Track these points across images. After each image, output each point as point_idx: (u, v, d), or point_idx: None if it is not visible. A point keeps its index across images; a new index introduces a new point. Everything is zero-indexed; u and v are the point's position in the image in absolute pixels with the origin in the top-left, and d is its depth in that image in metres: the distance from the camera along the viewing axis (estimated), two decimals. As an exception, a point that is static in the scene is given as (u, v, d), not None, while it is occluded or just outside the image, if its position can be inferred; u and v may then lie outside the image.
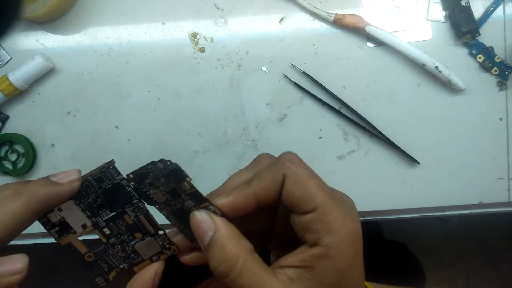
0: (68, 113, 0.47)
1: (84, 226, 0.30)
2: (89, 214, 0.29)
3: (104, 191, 0.29)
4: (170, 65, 0.47)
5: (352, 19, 0.44)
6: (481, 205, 0.47)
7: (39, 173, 0.48)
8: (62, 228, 0.29)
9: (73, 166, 0.48)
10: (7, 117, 0.47)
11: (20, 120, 0.47)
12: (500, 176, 0.47)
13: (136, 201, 0.29)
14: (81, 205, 0.29)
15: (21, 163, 0.47)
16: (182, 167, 0.28)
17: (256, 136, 0.47)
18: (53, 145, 0.48)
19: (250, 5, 0.46)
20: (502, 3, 0.45)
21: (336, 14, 0.45)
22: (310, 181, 0.27)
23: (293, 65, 0.46)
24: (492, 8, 0.45)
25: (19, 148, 0.47)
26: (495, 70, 0.45)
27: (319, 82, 0.46)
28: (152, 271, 0.29)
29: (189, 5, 0.46)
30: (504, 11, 0.45)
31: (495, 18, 0.45)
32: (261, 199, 0.27)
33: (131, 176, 0.28)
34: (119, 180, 0.29)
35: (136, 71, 0.47)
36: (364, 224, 0.49)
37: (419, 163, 0.46)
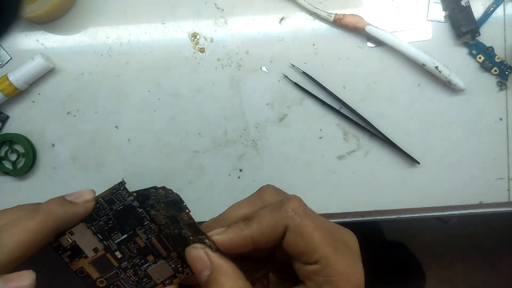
0: (68, 113, 0.47)
1: (95, 250, 0.29)
2: (101, 237, 0.29)
3: (116, 213, 0.29)
4: (170, 65, 0.47)
5: (352, 19, 0.44)
6: (481, 205, 0.47)
7: (39, 173, 0.48)
8: (74, 253, 0.29)
9: (73, 166, 0.48)
10: (7, 117, 0.47)
11: (20, 120, 0.47)
12: (500, 176, 0.47)
13: (147, 222, 0.29)
14: (93, 228, 0.28)
15: (21, 163, 0.47)
16: (183, 198, 0.27)
17: (256, 136, 0.47)
18: (53, 145, 0.48)
19: (250, 5, 0.46)
20: (502, 3, 0.45)
21: (336, 14, 0.45)
22: (314, 235, 0.25)
23: (293, 65, 0.46)
24: (492, 8, 0.45)
25: (19, 148, 0.47)
26: (495, 70, 0.45)
27: (319, 82, 0.46)
28: None
29: (189, 5, 0.46)
30: (504, 11, 0.45)
31: (495, 18, 0.45)
32: (259, 243, 0.26)
33: (134, 194, 0.28)
34: (130, 202, 0.28)
35: (136, 71, 0.47)
36: (364, 224, 0.49)
37: (419, 163, 0.46)
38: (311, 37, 0.46)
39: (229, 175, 0.47)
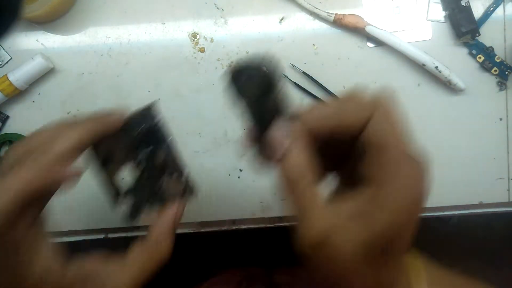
0: (68, 113, 0.47)
1: (123, 161, 0.33)
2: (129, 150, 0.32)
3: (145, 130, 0.33)
4: (170, 65, 0.47)
5: (352, 19, 0.44)
6: (481, 205, 0.47)
7: (39, 173, 0.48)
8: (105, 161, 0.33)
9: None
10: (7, 117, 0.47)
11: (20, 120, 0.47)
12: (500, 176, 0.47)
13: (170, 138, 0.33)
14: (123, 140, 0.32)
15: (21, 163, 0.47)
16: None
17: (256, 136, 0.47)
18: (53, 145, 0.48)
19: (250, 5, 0.46)
20: (502, 3, 0.45)
21: (336, 14, 0.45)
22: (396, 132, 0.27)
23: (293, 65, 0.46)
24: (492, 8, 0.45)
25: (19, 148, 0.47)
26: (495, 70, 0.45)
27: (319, 82, 0.46)
28: (173, 210, 0.31)
29: (189, 5, 0.46)
30: (504, 11, 0.45)
31: (495, 18, 0.45)
32: (341, 124, 0.26)
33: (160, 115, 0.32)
34: (158, 121, 0.32)
35: (136, 71, 0.47)
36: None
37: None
38: (311, 37, 0.46)
39: (229, 175, 0.47)
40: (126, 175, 0.32)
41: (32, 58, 0.45)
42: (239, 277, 0.54)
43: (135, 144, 0.32)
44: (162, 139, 0.33)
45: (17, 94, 0.46)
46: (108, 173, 0.32)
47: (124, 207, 0.33)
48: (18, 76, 0.45)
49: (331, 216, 0.25)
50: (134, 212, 0.33)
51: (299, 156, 0.25)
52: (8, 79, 0.44)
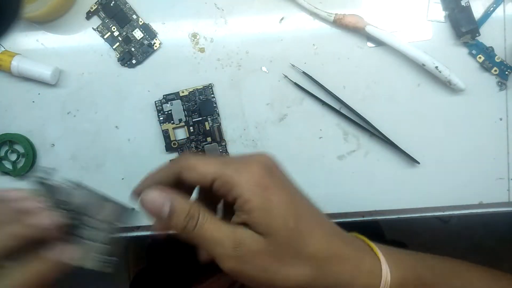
0: (68, 113, 0.47)
1: (180, 121, 0.46)
2: (186, 114, 0.46)
3: (200, 101, 0.45)
4: (170, 65, 0.47)
5: (352, 19, 0.44)
6: (481, 205, 0.47)
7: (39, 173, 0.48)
8: (167, 117, 0.46)
9: (73, 166, 0.48)
10: None
11: (20, 120, 0.47)
12: (500, 176, 0.47)
13: (217, 111, 0.45)
14: (184, 106, 0.46)
15: (21, 163, 0.47)
16: None
17: (256, 136, 0.47)
18: (53, 145, 0.48)
19: (250, 5, 0.46)
20: (502, 3, 0.45)
21: (336, 14, 0.45)
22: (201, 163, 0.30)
23: (293, 65, 0.46)
24: (492, 8, 0.45)
25: (19, 148, 0.47)
26: (495, 70, 0.45)
27: (319, 82, 0.46)
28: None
29: (189, 5, 0.46)
30: (504, 11, 0.45)
31: (495, 18, 0.45)
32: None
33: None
34: (211, 97, 0.45)
35: (136, 71, 0.47)
36: (364, 224, 0.49)
37: (419, 163, 0.46)
38: (311, 37, 0.46)
39: (229, 175, 0.47)
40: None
41: (45, 64, 0.45)
42: (228, 283, 0.54)
43: (191, 112, 0.45)
44: (212, 112, 0.45)
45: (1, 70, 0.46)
46: (166, 128, 0.45)
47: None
48: (20, 65, 0.45)
49: (230, 232, 0.28)
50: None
51: (181, 205, 0.29)
52: (11, 59, 0.45)
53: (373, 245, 0.32)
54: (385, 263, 0.31)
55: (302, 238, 0.29)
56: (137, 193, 0.31)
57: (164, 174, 0.31)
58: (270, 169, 0.30)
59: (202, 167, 0.30)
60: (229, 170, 0.29)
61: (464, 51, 0.46)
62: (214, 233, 0.28)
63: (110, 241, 0.31)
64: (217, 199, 0.33)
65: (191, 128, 0.46)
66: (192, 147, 0.46)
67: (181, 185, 0.31)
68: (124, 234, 0.48)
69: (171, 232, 0.30)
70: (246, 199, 0.28)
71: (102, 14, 0.46)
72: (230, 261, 0.28)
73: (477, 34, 0.45)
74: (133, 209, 0.32)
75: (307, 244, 0.29)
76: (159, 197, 0.29)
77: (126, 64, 0.47)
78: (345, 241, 0.31)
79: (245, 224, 0.29)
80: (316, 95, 0.46)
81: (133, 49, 0.47)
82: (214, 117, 0.46)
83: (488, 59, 0.45)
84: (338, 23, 0.45)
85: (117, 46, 0.47)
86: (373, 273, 0.31)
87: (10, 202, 0.29)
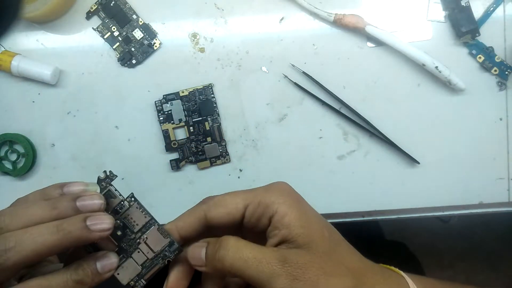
0: (68, 113, 0.47)
1: (180, 121, 0.45)
2: (186, 114, 0.45)
3: (200, 101, 0.45)
4: (170, 65, 0.47)
5: (352, 19, 0.44)
6: (481, 205, 0.47)
7: (39, 173, 0.48)
8: (167, 117, 0.46)
9: (73, 166, 0.48)
10: None
11: (20, 120, 0.47)
12: (500, 176, 0.47)
13: (216, 111, 0.45)
14: (184, 106, 0.45)
15: (21, 163, 0.47)
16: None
17: (256, 136, 0.47)
18: (53, 145, 0.48)
19: (250, 5, 0.46)
20: (502, 3, 0.45)
21: (336, 14, 0.45)
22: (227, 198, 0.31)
23: (293, 65, 0.46)
24: (492, 8, 0.45)
25: (19, 148, 0.47)
26: (495, 70, 0.45)
27: (319, 82, 0.46)
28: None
29: (189, 5, 0.46)
30: (504, 11, 0.45)
31: (495, 18, 0.45)
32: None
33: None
34: (211, 97, 0.45)
35: (136, 71, 0.47)
36: (364, 224, 0.49)
37: (419, 163, 0.46)
38: (311, 37, 0.46)
39: (229, 175, 0.47)
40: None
41: (45, 64, 0.45)
42: None
43: (191, 111, 0.45)
44: (212, 112, 0.45)
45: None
46: (166, 128, 0.45)
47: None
48: (20, 65, 0.45)
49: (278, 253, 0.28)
50: (177, 165, 0.45)
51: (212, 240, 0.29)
52: (11, 59, 0.45)
53: (394, 268, 0.33)
54: (410, 280, 0.31)
55: (338, 249, 0.29)
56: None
57: (189, 220, 0.31)
58: (292, 188, 0.31)
59: (231, 199, 0.30)
60: (259, 193, 0.29)
61: (464, 51, 0.46)
62: (256, 255, 0.27)
63: (147, 265, 0.31)
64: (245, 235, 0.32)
65: (191, 128, 0.46)
66: (192, 147, 0.46)
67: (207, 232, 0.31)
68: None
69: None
70: (284, 213, 0.28)
71: (102, 14, 0.46)
72: (281, 279, 0.27)
73: (477, 34, 0.45)
74: (181, 249, 0.31)
75: (343, 255, 0.29)
76: (199, 245, 0.30)
77: (126, 64, 0.47)
78: (369, 262, 0.31)
79: (282, 242, 0.28)
80: (316, 95, 0.46)
81: (133, 49, 0.47)
82: (214, 117, 0.46)
83: (488, 59, 0.45)
84: (338, 23, 0.45)
85: (117, 46, 0.47)
86: (402, 285, 0.31)
87: (72, 195, 0.29)
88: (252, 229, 0.30)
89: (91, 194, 0.30)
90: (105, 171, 0.31)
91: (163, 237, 0.30)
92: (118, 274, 0.30)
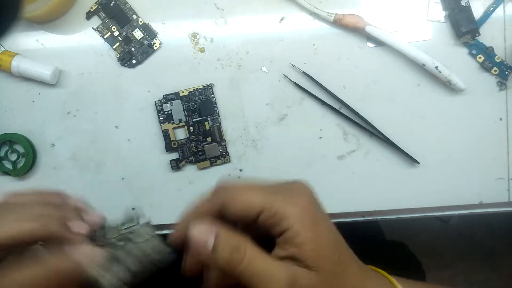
0: (68, 113, 0.47)
1: (180, 121, 0.46)
2: (186, 114, 0.46)
3: (200, 101, 0.45)
4: (170, 65, 0.47)
5: (352, 19, 0.44)
6: (481, 205, 0.47)
7: (39, 173, 0.48)
8: (167, 117, 0.46)
9: (73, 166, 0.48)
10: None
11: (20, 120, 0.47)
12: (500, 176, 0.47)
13: (216, 111, 0.45)
14: (184, 106, 0.46)
15: (21, 163, 0.47)
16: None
17: (256, 136, 0.47)
18: (53, 145, 0.48)
19: (250, 5, 0.46)
20: (502, 3, 0.45)
21: (336, 14, 0.45)
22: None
23: (293, 65, 0.46)
24: (492, 8, 0.45)
25: (19, 148, 0.47)
26: (495, 70, 0.45)
27: (319, 82, 0.46)
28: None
29: (189, 5, 0.46)
30: (504, 11, 0.45)
31: (495, 18, 0.45)
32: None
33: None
34: (211, 97, 0.45)
35: (136, 71, 0.47)
36: (364, 224, 0.49)
37: (419, 163, 0.46)
38: (311, 37, 0.46)
39: (229, 175, 0.47)
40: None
41: (45, 64, 0.45)
42: None
43: (191, 112, 0.45)
44: (212, 112, 0.45)
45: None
46: (166, 128, 0.45)
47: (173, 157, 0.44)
48: (20, 66, 0.45)
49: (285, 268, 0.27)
50: (177, 165, 0.45)
51: (227, 237, 0.28)
52: (10, 59, 0.45)
53: (392, 278, 0.33)
54: None
55: (345, 272, 0.29)
56: (182, 228, 0.30)
57: (206, 209, 0.30)
58: (315, 200, 0.30)
59: (249, 198, 0.28)
60: (277, 200, 0.28)
61: (464, 51, 0.46)
62: (267, 268, 0.27)
63: (136, 272, 0.31)
64: (257, 234, 0.32)
65: (191, 128, 0.46)
66: (192, 147, 0.46)
67: (221, 220, 0.30)
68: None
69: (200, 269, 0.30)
70: (297, 232, 0.27)
71: (102, 14, 0.46)
72: None
73: (477, 34, 0.45)
74: (173, 253, 0.31)
75: (348, 278, 0.29)
76: (207, 230, 0.28)
77: (126, 64, 0.47)
78: (371, 276, 0.31)
79: (291, 258, 0.28)
80: (316, 95, 0.46)
81: (133, 49, 0.47)
82: (214, 117, 0.46)
83: (488, 59, 0.45)
84: (338, 23, 0.45)
85: (117, 46, 0.47)
86: None
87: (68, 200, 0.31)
88: (262, 228, 0.30)
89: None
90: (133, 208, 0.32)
91: (156, 243, 0.31)
92: (106, 278, 0.30)
